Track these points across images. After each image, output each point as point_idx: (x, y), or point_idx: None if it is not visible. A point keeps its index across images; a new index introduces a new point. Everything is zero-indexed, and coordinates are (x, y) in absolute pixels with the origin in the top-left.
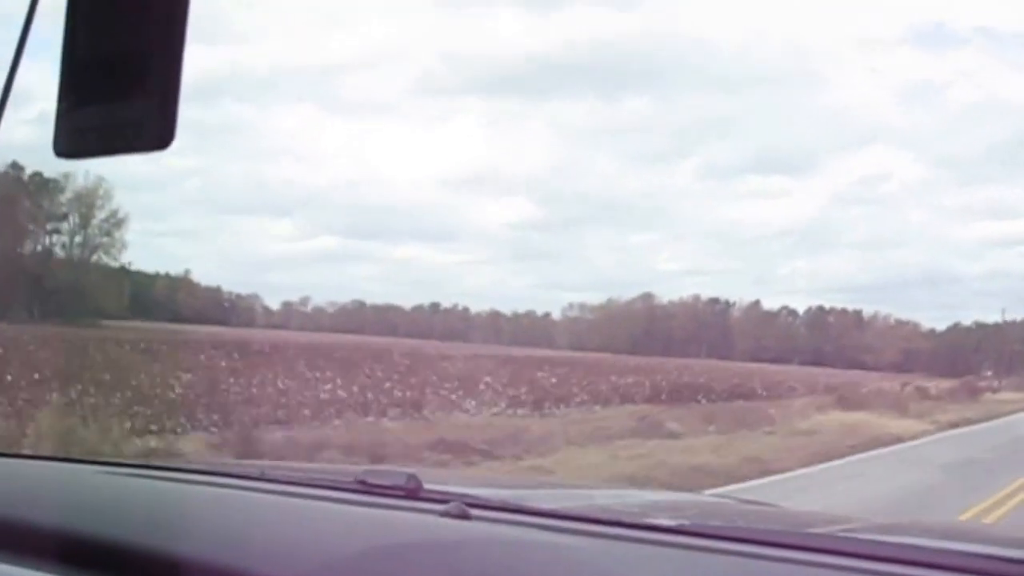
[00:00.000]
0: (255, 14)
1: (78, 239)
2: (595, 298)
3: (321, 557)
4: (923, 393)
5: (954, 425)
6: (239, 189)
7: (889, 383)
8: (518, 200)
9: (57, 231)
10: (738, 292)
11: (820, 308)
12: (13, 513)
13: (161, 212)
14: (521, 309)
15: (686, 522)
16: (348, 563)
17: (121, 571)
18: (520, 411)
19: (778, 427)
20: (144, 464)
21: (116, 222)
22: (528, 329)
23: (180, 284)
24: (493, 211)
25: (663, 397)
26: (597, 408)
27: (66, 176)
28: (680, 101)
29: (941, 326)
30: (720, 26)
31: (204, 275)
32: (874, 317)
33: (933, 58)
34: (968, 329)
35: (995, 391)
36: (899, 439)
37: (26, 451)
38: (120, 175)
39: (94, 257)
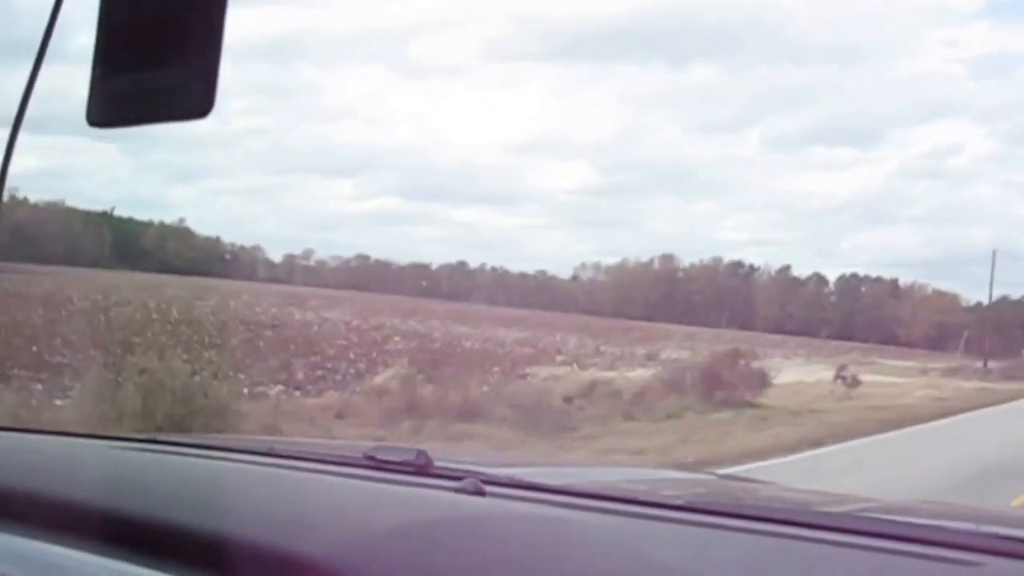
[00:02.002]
0: None
1: None
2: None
3: (337, 531)
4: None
5: None
6: (304, 149)
7: None
8: (581, 166)
9: None
10: (799, 264)
11: (854, 276)
12: (24, 486)
13: (226, 170)
14: (531, 270)
15: (697, 500)
16: (365, 538)
17: (131, 543)
18: None
19: None
20: (152, 439)
21: None
22: (536, 290)
23: (172, 233)
24: (556, 176)
25: None
26: None
27: None
28: (749, 69)
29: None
30: None
31: (264, 232)
32: (911, 287)
33: (1008, 31)
34: (1016, 303)
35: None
36: None
37: None
38: (184, 132)
39: None
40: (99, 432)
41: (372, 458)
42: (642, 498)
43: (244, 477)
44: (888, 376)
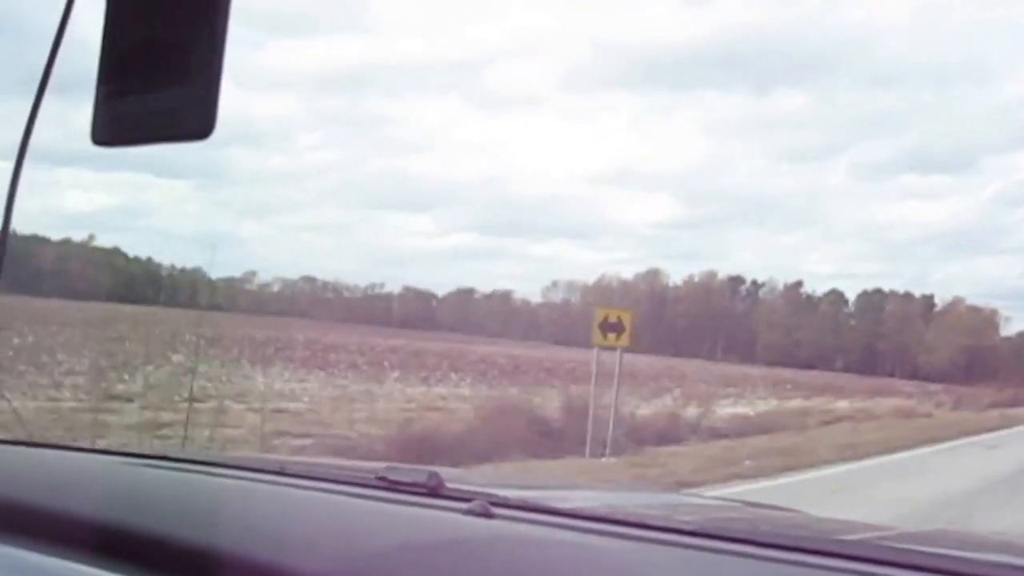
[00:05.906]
0: (402, 6)
1: None
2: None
3: (348, 551)
4: None
5: None
6: (379, 184)
7: None
8: (663, 197)
9: None
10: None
11: (877, 291)
12: (36, 501)
13: (299, 206)
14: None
15: (710, 526)
16: (375, 558)
17: (137, 559)
18: None
19: None
20: (163, 456)
21: None
22: (497, 314)
23: (76, 252)
24: (638, 209)
25: None
26: None
27: None
28: (837, 95)
29: None
30: (882, 18)
31: (339, 269)
32: (948, 305)
33: None
34: None
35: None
36: None
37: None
38: (258, 167)
39: None
40: (111, 448)
41: (384, 479)
42: (652, 522)
43: (253, 495)
44: None
